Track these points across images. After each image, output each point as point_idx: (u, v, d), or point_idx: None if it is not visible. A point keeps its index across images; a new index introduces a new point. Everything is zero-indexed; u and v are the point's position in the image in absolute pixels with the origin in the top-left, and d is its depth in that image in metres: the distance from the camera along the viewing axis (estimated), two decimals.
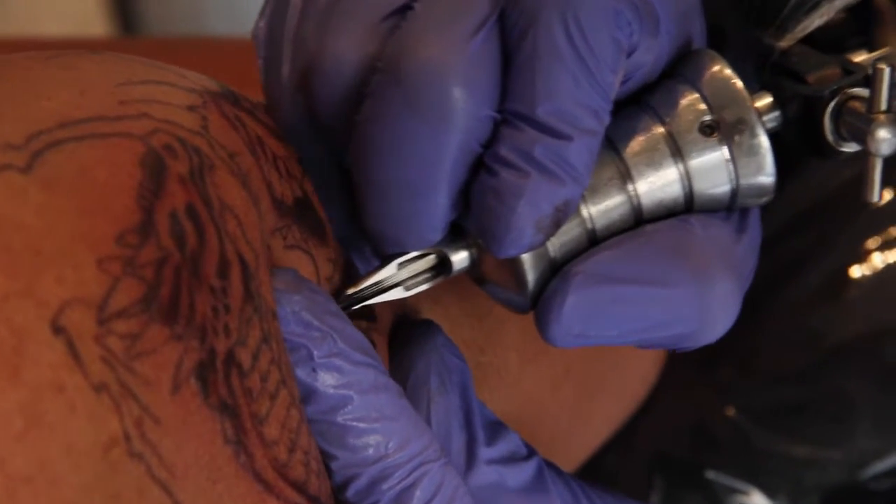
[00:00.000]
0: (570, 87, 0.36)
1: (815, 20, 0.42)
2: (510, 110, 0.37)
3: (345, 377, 0.36)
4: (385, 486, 0.36)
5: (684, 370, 0.59)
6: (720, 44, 0.41)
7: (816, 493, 0.56)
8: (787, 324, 0.57)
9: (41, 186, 0.30)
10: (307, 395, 0.35)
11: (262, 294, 0.35)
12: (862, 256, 0.56)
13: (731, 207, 0.40)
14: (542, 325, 0.38)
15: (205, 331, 0.32)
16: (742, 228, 0.40)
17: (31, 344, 0.28)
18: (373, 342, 0.40)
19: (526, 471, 0.40)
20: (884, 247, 0.56)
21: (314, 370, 0.35)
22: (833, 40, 0.44)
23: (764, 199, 0.40)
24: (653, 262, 0.38)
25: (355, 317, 0.40)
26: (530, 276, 0.39)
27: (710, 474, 0.57)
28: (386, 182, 0.37)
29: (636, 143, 0.39)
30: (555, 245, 0.39)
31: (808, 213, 0.58)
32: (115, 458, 0.29)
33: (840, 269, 0.57)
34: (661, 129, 0.39)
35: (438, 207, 0.37)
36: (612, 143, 0.39)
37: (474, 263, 0.40)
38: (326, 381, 0.35)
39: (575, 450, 0.53)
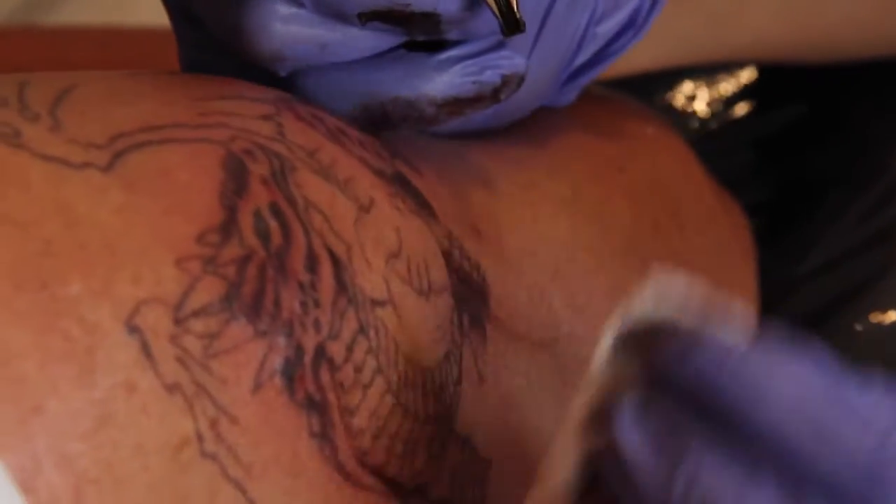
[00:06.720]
0: None
1: None
2: None
3: None
4: None
5: None
6: None
7: None
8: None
9: (121, 186, 0.31)
10: None
11: (359, 284, 0.34)
12: None
13: None
14: None
15: (292, 327, 0.32)
16: None
17: (105, 343, 0.29)
18: None
19: None
20: None
21: None
22: None
23: None
24: None
25: None
26: None
27: None
28: None
29: None
30: None
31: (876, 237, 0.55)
32: (186, 458, 0.29)
33: None
34: None
35: None
36: None
37: None
38: None
39: None
